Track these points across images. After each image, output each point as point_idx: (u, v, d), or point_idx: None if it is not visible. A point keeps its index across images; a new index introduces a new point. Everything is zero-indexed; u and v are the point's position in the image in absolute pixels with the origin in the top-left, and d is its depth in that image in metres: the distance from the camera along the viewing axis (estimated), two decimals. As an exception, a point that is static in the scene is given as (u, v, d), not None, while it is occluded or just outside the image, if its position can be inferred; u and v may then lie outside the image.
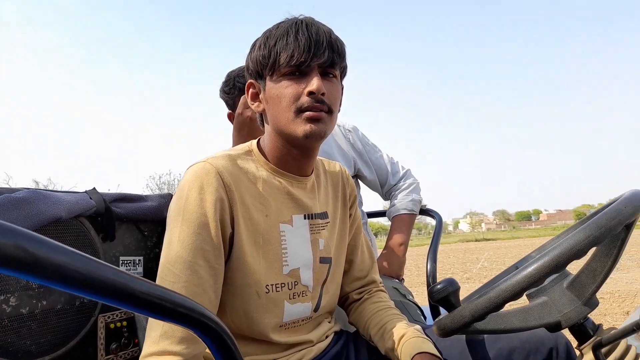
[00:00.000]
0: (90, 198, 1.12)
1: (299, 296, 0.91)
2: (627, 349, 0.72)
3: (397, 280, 1.61)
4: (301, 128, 0.86)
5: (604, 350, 0.72)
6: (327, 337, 1.00)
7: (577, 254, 0.61)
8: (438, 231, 1.61)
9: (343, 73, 0.95)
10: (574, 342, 0.81)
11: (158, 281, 0.78)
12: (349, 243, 1.09)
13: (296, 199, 0.93)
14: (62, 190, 1.15)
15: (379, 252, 1.74)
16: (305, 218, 0.95)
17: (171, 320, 0.44)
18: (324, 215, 1.00)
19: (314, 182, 1.00)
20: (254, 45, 0.92)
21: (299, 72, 0.85)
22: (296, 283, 0.91)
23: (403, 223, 1.69)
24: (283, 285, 0.89)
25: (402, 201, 1.71)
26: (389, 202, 1.79)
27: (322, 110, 0.86)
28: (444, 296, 0.83)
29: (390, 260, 1.64)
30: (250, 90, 0.95)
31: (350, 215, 1.11)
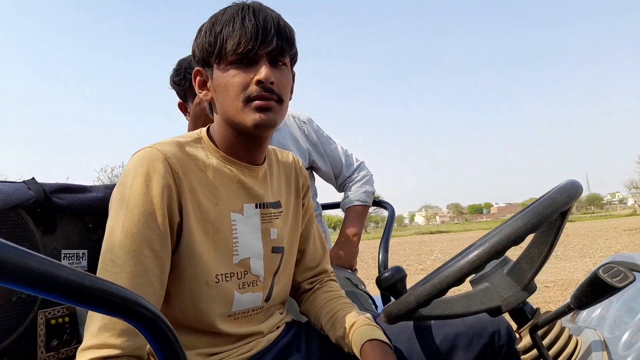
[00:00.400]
0: (29, 188, 1.06)
1: (249, 286, 0.90)
2: (562, 330, 0.76)
3: (349, 271, 1.62)
4: (250, 118, 0.85)
5: (540, 332, 0.75)
6: (278, 328, 0.99)
7: (516, 240, 0.64)
8: (390, 222, 1.64)
9: (293, 60, 0.94)
10: (515, 327, 0.85)
11: (99, 272, 0.75)
12: (302, 233, 1.09)
13: (247, 188, 0.92)
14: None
15: (332, 244, 1.75)
16: (256, 207, 0.94)
17: (104, 311, 0.42)
18: (276, 205, 0.99)
19: (266, 171, 0.99)
20: (200, 30, 0.89)
21: (246, 60, 0.84)
22: (246, 273, 0.90)
23: (356, 214, 1.71)
24: (232, 274, 0.88)
25: (356, 193, 1.72)
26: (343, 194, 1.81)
27: (272, 99, 0.85)
28: (391, 283, 0.85)
29: (343, 251, 1.66)
30: (198, 78, 0.92)
31: (303, 205, 1.10)
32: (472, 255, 0.66)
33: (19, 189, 1.03)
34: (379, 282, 0.86)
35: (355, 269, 1.71)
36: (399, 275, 0.83)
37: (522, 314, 0.78)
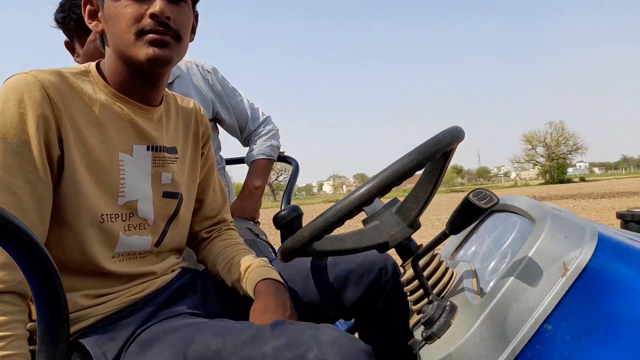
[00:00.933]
0: None
1: (135, 228, 0.87)
2: (440, 263, 0.83)
3: (251, 222, 1.63)
4: (143, 52, 0.80)
5: (421, 265, 0.82)
6: (173, 271, 0.97)
7: (402, 176, 0.68)
8: (294, 176, 1.66)
9: None
10: (400, 263, 0.91)
11: None
12: (200, 182, 1.07)
13: (139, 129, 0.88)
14: None
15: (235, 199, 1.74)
16: (148, 149, 0.89)
17: None
18: (172, 150, 0.95)
19: (162, 114, 0.94)
20: None
21: None
22: (132, 215, 0.87)
23: (260, 168, 1.70)
24: (117, 215, 0.84)
25: (261, 147, 1.71)
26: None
27: (167, 34, 0.81)
28: (287, 221, 0.87)
29: (245, 203, 1.66)
30: (88, 7, 0.85)
31: (203, 154, 1.07)
32: (363, 189, 0.69)
33: None
34: (276, 220, 0.87)
35: (258, 222, 1.72)
36: (295, 213, 0.86)
37: (407, 249, 0.84)
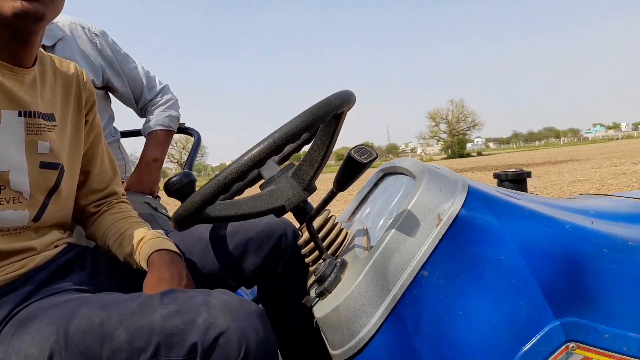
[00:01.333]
0: None
1: (8, 202, 0.79)
2: (334, 225, 0.86)
3: (150, 197, 1.56)
4: (9, 5, 0.71)
5: (316, 226, 0.84)
6: (56, 247, 0.90)
7: (293, 137, 0.69)
8: (195, 148, 1.61)
9: None
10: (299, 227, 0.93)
11: None
12: (86, 153, 0.99)
13: (8, 92, 0.79)
14: None
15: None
16: (20, 115, 0.81)
17: None
18: (49, 117, 0.87)
19: (36, 77, 0.85)
20: None
21: None
22: (3, 187, 0.78)
23: (158, 139, 1.62)
24: None
25: (158, 117, 1.62)
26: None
27: None
28: (178, 187, 0.84)
29: (142, 177, 1.57)
30: None
31: (87, 122, 0.99)
32: (254, 151, 0.69)
33: None
34: (167, 187, 0.84)
35: (158, 196, 1.65)
36: (188, 179, 0.83)
37: (304, 212, 0.86)
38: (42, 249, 0.86)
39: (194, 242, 1.00)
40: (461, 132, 65.99)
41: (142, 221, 1.00)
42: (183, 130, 1.74)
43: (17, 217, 0.81)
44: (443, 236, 0.62)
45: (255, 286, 1.10)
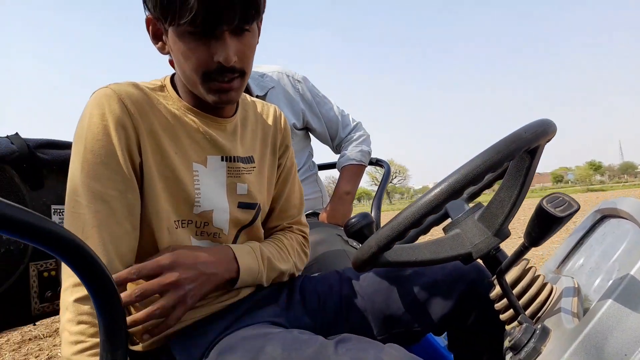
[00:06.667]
0: (12, 143, 1.07)
1: (208, 235, 0.89)
2: (535, 278, 0.72)
3: (342, 228, 1.61)
4: (209, 97, 0.81)
5: (512, 280, 0.72)
6: None
7: (474, 179, 0.60)
8: (385, 180, 1.62)
9: (260, 17, 0.83)
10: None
11: (65, 214, 0.75)
12: (276, 191, 1.06)
13: (213, 140, 0.89)
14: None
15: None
16: (222, 160, 0.90)
17: (42, 246, 0.42)
18: (248, 160, 0.96)
19: (236, 124, 0.95)
20: None
21: (205, 31, 0.75)
22: (207, 224, 0.88)
23: (351, 173, 1.68)
24: (191, 222, 0.86)
25: (352, 152, 1.69)
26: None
27: (233, 78, 0.80)
28: (357, 229, 0.83)
29: (335, 209, 1.64)
30: (151, 27, 0.84)
31: (280, 164, 1.06)
32: (430, 195, 0.63)
33: (1, 143, 1.04)
34: (346, 228, 0.84)
35: (350, 228, 1.69)
36: (365, 221, 0.81)
37: (495, 261, 0.75)
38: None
39: (380, 279, 0.97)
40: None
41: (275, 241, 1.01)
42: (374, 162, 1.77)
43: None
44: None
45: (446, 333, 1.01)
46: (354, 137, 1.72)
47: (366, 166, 1.72)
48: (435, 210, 0.63)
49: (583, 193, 35.69)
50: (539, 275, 0.74)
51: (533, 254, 5.23)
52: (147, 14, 0.81)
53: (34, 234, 0.41)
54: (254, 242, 0.94)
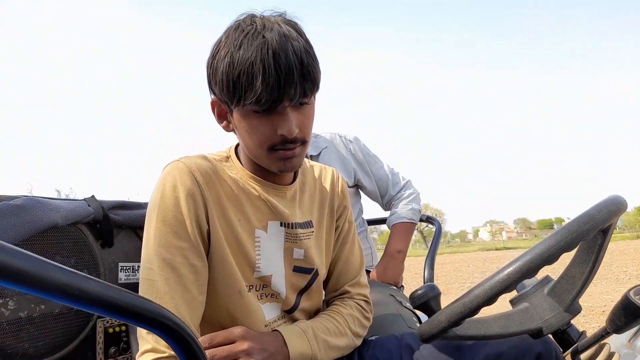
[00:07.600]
0: (89, 205, 1.15)
1: (267, 296, 0.92)
2: (610, 356, 0.71)
3: (394, 288, 1.60)
4: (274, 165, 0.86)
5: (586, 357, 0.71)
6: None
7: (548, 259, 0.61)
8: (437, 238, 1.61)
9: (317, 90, 0.88)
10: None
11: (140, 279, 0.80)
12: (335, 253, 1.08)
13: (273, 206, 0.93)
14: (62, 198, 1.19)
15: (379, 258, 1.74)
16: (281, 225, 0.94)
17: (132, 321, 0.46)
18: (306, 225, 0.99)
19: (295, 191, 0.99)
20: (214, 57, 0.82)
21: (269, 109, 0.80)
22: (265, 286, 0.91)
23: (402, 231, 1.69)
24: (252, 286, 0.90)
25: (402, 210, 1.71)
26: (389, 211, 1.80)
27: (296, 147, 0.85)
28: (424, 301, 0.83)
29: (387, 267, 1.64)
30: (216, 108, 0.90)
31: (338, 227, 1.09)
32: (503, 274, 0.64)
33: (80, 206, 1.12)
34: (412, 299, 0.84)
35: (402, 286, 1.69)
36: (432, 293, 0.82)
37: (566, 337, 0.74)
38: None
39: (440, 348, 0.96)
40: None
41: (329, 313, 1.00)
42: (425, 219, 1.78)
43: (273, 308, 0.93)
44: None
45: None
46: (405, 195, 1.74)
47: (417, 224, 1.73)
48: (508, 289, 0.63)
49: (633, 240, 33.82)
50: (613, 353, 0.72)
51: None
52: (212, 97, 0.89)
53: (140, 317, 0.45)
54: (304, 322, 0.94)
